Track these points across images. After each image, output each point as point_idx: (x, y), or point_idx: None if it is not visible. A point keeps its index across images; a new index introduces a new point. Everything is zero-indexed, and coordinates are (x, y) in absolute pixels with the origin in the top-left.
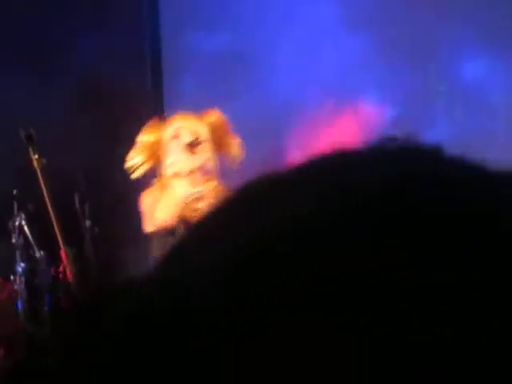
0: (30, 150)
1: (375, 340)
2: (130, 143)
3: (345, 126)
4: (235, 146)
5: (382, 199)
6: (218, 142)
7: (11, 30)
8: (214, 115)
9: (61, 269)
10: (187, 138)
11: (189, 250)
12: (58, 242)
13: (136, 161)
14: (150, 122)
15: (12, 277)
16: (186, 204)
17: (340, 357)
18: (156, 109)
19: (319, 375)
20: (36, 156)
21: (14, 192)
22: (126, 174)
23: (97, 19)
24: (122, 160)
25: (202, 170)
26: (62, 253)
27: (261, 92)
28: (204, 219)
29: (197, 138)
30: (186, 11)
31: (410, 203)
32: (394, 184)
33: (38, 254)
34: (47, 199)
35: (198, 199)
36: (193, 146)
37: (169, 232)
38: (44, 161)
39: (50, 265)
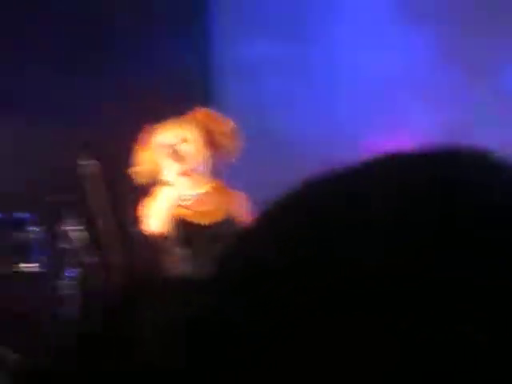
0: (85, 155)
1: (416, 342)
2: None
3: (397, 135)
4: (228, 144)
5: (429, 203)
6: (210, 141)
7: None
8: (203, 113)
9: (109, 275)
10: (170, 147)
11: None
12: (107, 247)
13: (139, 167)
14: (150, 127)
15: (60, 282)
16: (180, 207)
17: (381, 358)
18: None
19: (362, 373)
20: (90, 161)
21: (65, 197)
22: None
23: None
24: None
25: (192, 172)
26: (112, 258)
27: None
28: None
29: (175, 145)
30: (237, 16)
31: (456, 209)
32: (442, 189)
33: (89, 259)
34: (98, 205)
35: (192, 201)
36: (176, 153)
37: (163, 236)
38: (98, 166)
39: (99, 270)
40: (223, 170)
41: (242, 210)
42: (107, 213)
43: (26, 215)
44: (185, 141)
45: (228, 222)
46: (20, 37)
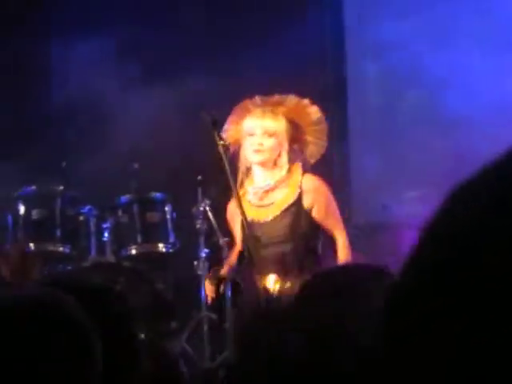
0: (215, 134)
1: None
2: None
3: None
4: (311, 144)
5: None
6: (294, 136)
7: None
8: (292, 104)
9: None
10: (255, 144)
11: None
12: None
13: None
14: (242, 104)
15: (195, 262)
16: (257, 198)
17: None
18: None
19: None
20: (221, 141)
21: (199, 178)
22: None
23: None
24: None
25: (272, 164)
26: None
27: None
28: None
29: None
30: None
31: None
32: None
33: (221, 240)
34: (231, 185)
35: (266, 192)
36: (257, 144)
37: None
38: (229, 145)
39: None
40: (308, 166)
41: (316, 197)
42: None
43: (162, 195)
44: (269, 134)
45: (293, 208)
46: None
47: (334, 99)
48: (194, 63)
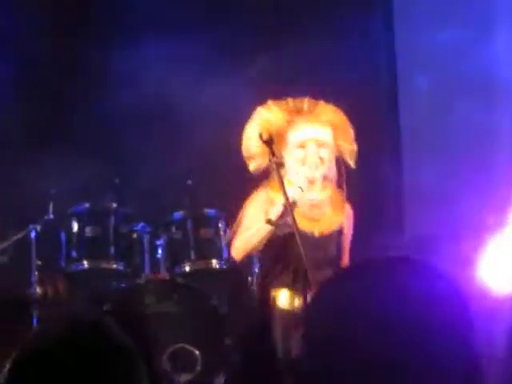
0: (268, 151)
1: None
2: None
3: None
4: (351, 153)
5: None
6: (338, 146)
7: None
8: (337, 115)
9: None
10: (313, 157)
11: None
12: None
13: (252, 137)
14: (279, 102)
15: (249, 278)
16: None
17: None
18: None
19: None
20: (274, 158)
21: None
22: None
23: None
24: None
25: (320, 179)
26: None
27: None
28: None
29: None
30: (419, 8)
31: None
32: None
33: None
34: (286, 202)
35: (313, 206)
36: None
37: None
38: (283, 162)
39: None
40: (343, 177)
41: (349, 224)
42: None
43: (216, 211)
44: (320, 145)
45: (336, 234)
46: None
47: (385, 112)
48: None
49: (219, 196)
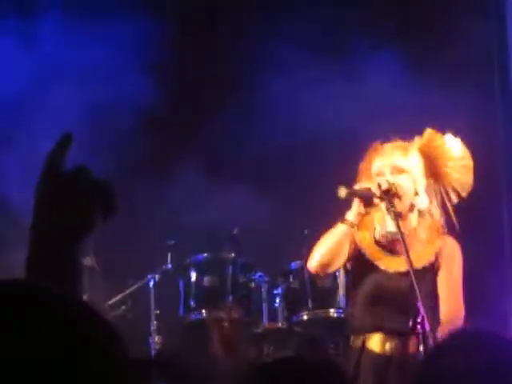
0: (386, 202)
1: None
2: None
3: None
4: (453, 179)
5: None
6: (433, 170)
7: None
8: (427, 138)
9: None
10: (384, 183)
11: None
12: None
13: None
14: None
15: None
16: (375, 246)
17: None
18: None
19: None
20: (392, 208)
21: None
22: None
23: None
24: None
25: (404, 210)
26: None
27: None
28: None
29: (392, 186)
30: None
31: None
32: None
33: None
34: (404, 251)
35: (395, 239)
36: (387, 193)
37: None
38: (401, 212)
39: None
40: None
41: (451, 260)
42: None
43: None
44: (398, 171)
45: (430, 269)
46: None
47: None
48: None
49: None
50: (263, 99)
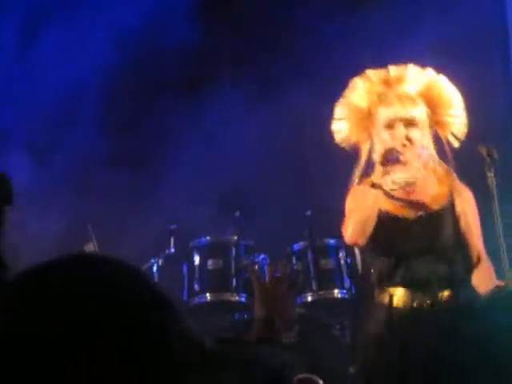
0: (486, 166)
1: None
2: None
3: None
4: (453, 123)
5: None
6: (434, 119)
7: None
8: (431, 83)
9: None
10: (401, 138)
11: None
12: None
13: (341, 127)
14: (364, 76)
15: None
16: (386, 197)
17: None
18: None
19: None
20: (491, 174)
21: None
22: None
23: None
24: None
25: (413, 160)
26: None
27: None
28: None
29: (409, 141)
30: None
31: None
32: None
33: None
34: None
35: (406, 186)
36: (398, 139)
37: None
38: (498, 181)
39: None
40: (449, 153)
41: (465, 206)
42: None
43: (336, 241)
44: (412, 125)
45: (445, 214)
46: None
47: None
48: None
49: (339, 224)
50: None
